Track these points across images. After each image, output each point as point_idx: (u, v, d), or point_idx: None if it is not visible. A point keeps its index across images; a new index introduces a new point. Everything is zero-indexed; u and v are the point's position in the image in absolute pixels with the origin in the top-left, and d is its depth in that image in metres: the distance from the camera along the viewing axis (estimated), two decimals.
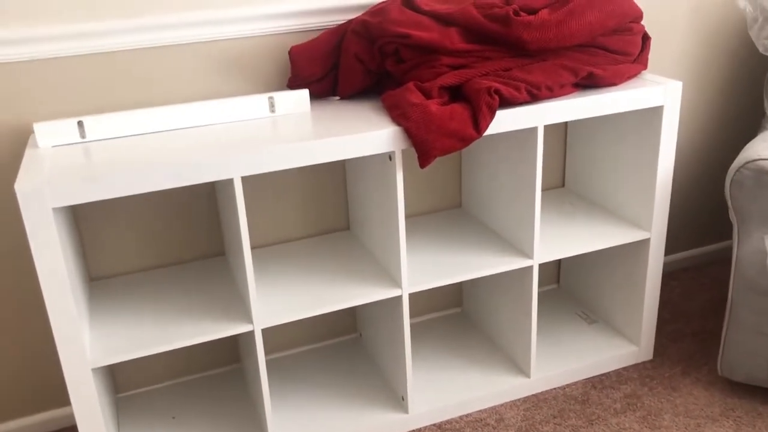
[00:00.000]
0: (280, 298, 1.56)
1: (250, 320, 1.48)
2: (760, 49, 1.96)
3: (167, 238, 1.74)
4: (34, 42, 1.48)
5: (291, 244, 1.84)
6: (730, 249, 2.46)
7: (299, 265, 1.72)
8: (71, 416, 1.80)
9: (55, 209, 1.28)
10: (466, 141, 1.44)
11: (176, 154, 1.33)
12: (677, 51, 2.11)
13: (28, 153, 1.40)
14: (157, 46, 1.57)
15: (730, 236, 2.45)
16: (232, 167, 1.33)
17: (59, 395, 1.78)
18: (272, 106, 1.56)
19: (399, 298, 1.60)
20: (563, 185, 2.10)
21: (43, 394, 1.76)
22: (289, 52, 1.61)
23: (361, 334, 2.00)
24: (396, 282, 1.60)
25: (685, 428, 1.68)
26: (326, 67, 1.64)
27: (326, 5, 1.66)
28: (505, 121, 1.50)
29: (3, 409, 1.74)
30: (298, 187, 1.81)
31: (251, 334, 1.51)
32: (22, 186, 1.21)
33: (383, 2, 1.62)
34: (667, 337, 2.03)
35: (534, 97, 1.52)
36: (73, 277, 1.37)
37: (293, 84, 1.66)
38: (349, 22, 1.63)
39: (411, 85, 1.51)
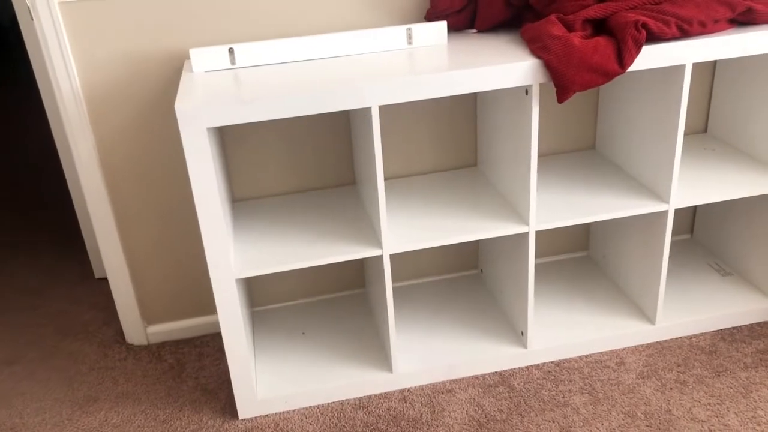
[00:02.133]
0: (408, 227, 1.61)
1: (379, 245, 1.54)
2: None
3: (304, 166, 1.82)
4: None
5: (420, 177, 1.87)
6: None
7: (427, 197, 1.75)
8: (214, 323, 1.96)
9: (208, 129, 1.37)
10: (608, 76, 1.40)
11: (319, 82, 1.39)
12: None
13: (185, 77, 1.50)
14: None
15: None
16: (371, 96, 1.37)
17: (204, 305, 1.95)
18: (410, 37, 1.58)
19: (525, 235, 1.61)
20: (705, 131, 2.00)
21: (195, 302, 1.94)
22: None
23: (482, 271, 2.03)
24: (523, 219, 1.60)
25: None
26: (465, 0, 1.63)
27: None
28: (651, 56, 1.44)
29: (157, 313, 1.93)
30: (429, 122, 1.84)
31: (380, 258, 1.57)
32: (181, 107, 1.31)
33: None
34: None
35: (684, 33, 1.45)
36: (222, 195, 1.47)
37: (431, 16, 1.66)
38: None
39: (553, 17, 1.47)
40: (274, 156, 1.80)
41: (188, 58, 1.66)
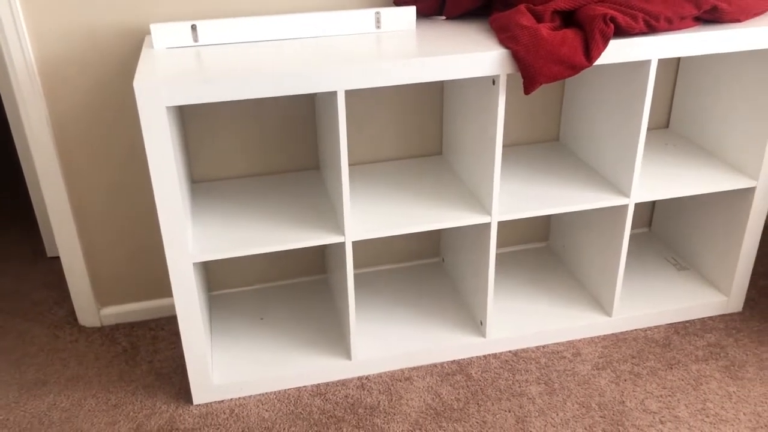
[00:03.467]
0: (371, 214, 1.59)
1: (342, 232, 1.52)
2: None
3: (266, 148, 1.79)
4: None
5: (384, 163, 1.86)
6: None
7: (391, 184, 1.74)
8: (170, 306, 1.92)
9: (168, 108, 1.33)
10: (575, 69, 1.40)
11: (283, 63, 1.36)
12: None
13: (145, 53, 1.45)
14: None
15: None
16: (337, 80, 1.35)
17: (160, 287, 1.91)
18: (378, 21, 1.55)
19: (487, 225, 1.61)
20: (668, 126, 2.02)
21: (149, 284, 1.89)
22: None
23: (444, 259, 2.03)
24: (486, 209, 1.60)
25: None
26: None
27: None
28: (617, 50, 1.44)
29: (111, 294, 1.88)
30: (395, 108, 1.82)
31: (342, 245, 1.55)
32: (140, 84, 1.26)
33: None
34: (759, 291, 1.97)
35: (651, 28, 1.45)
36: (180, 175, 1.44)
37: (400, 1, 1.64)
38: None
39: (522, 7, 1.47)
40: (236, 137, 1.76)
41: (149, 33, 1.61)
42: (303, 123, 1.79)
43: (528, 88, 1.41)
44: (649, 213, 2.17)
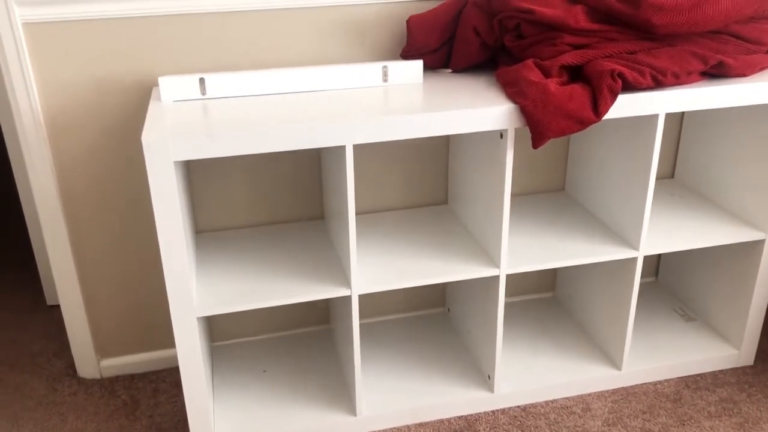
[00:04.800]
0: (378, 266, 1.58)
1: (348, 285, 1.50)
2: None
3: (271, 198, 1.78)
4: None
5: (389, 213, 1.85)
6: None
7: (397, 235, 1.72)
8: (172, 358, 1.89)
9: (175, 162, 1.32)
10: (583, 124, 1.40)
11: (292, 117, 1.36)
12: None
13: (153, 106, 1.45)
14: (276, 8, 1.59)
15: None
16: (346, 134, 1.34)
17: (161, 338, 1.88)
18: (385, 75, 1.56)
19: (496, 278, 1.59)
20: (672, 176, 2.02)
21: (151, 335, 1.86)
22: (407, 21, 1.60)
23: (449, 309, 2.00)
24: (494, 261, 1.58)
25: None
26: (442, 39, 1.62)
27: None
28: (625, 105, 1.45)
29: (111, 345, 1.85)
30: (400, 157, 1.81)
31: (348, 298, 1.53)
32: (148, 139, 1.26)
33: None
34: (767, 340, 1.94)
35: (658, 83, 1.46)
36: (186, 227, 1.42)
37: (407, 54, 1.65)
38: None
39: (530, 62, 1.47)
40: (241, 187, 1.75)
41: (157, 85, 1.61)
42: (308, 172, 1.78)
43: (536, 142, 1.40)
44: (655, 262, 2.15)
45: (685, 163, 1.96)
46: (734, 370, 1.84)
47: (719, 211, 1.81)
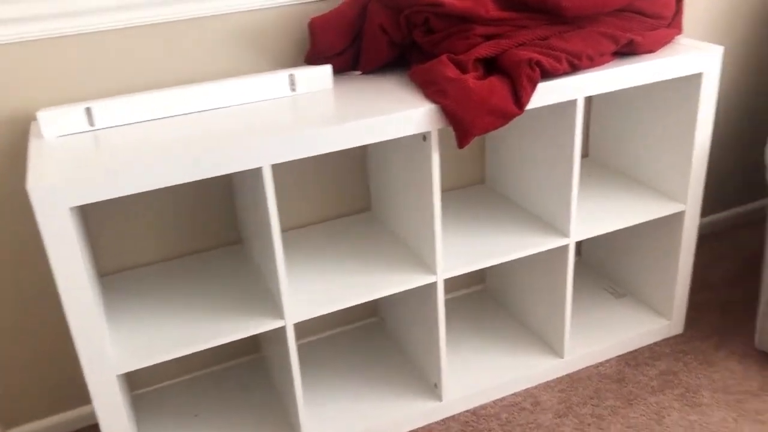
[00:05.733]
0: (310, 291, 1.47)
1: (280, 315, 1.39)
2: None
3: (179, 226, 1.63)
4: (27, 21, 1.34)
5: (311, 228, 1.74)
6: (747, 214, 2.41)
7: (323, 251, 1.62)
8: (90, 415, 1.71)
9: (71, 208, 1.16)
10: (507, 117, 1.35)
11: (197, 142, 1.22)
12: (707, 10, 2.02)
13: (33, 144, 1.28)
14: (162, 21, 1.44)
15: (745, 202, 2.40)
16: (262, 156, 1.23)
17: (77, 395, 1.69)
18: (293, 84, 1.45)
19: (433, 285, 1.52)
20: (587, 155, 2.02)
21: (60, 394, 1.67)
22: (309, 24, 1.49)
23: (383, 318, 1.93)
24: (430, 268, 1.52)
25: (726, 405, 1.64)
26: (347, 40, 1.53)
27: None
28: (544, 94, 1.41)
29: (20, 412, 1.64)
30: (316, 167, 1.71)
31: (282, 329, 1.42)
32: (35, 186, 1.09)
33: None
34: (696, 309, 1.99)
35: (575, 68, 1.43)
36: (89, 275, 1.26)
37: (312, 58, 1.54)
38: None
39: (444, 58, 1.40)
40: (144, 217, 1.59)
41: (35, 119, 1.42)
42: (217, 193, 1.64)
43: (462, 141, 1.34)
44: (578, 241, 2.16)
45: (599, 141, 1.96)
46: (667, 340, 1.87)
47: (639, 187, 1.82)
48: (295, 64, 1.60)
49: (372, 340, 1.87)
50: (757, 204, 2.41)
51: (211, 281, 1.54)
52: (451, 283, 2.03)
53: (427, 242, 1.50)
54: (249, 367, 1.81)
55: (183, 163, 1.17)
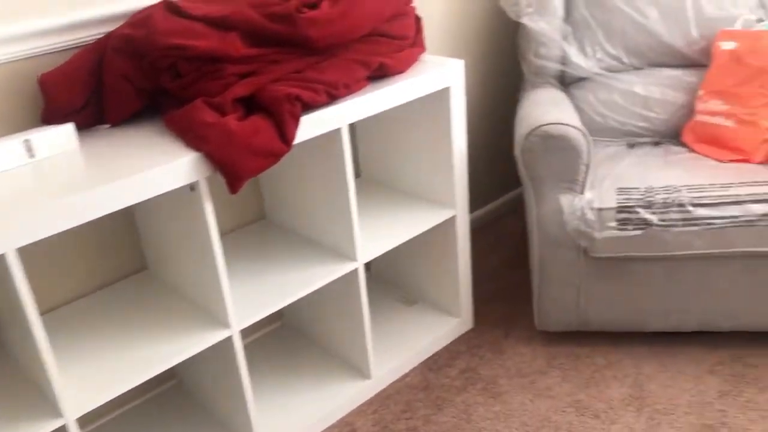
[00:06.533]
0: (88, 376, 1.31)
1: (58, 413, 1.22)
2: (511, 16, 2.07)
3: None
4: None
5: (82, 300, 1.56)
6: (507, 203, 2.63)
7: (100, 324, 1.46)
8: None
9: None
10: (276, 156, 1.31)
11: None
12: (440, 28, 2.15)
13: None
14: None
15: (505, 192, 2.62)
16: (4, 242, 1.06)
17: None
18: (30, 150, 1.28)
19: (229, 339, 1.44)
20: (359, 175, 2.06)
21: None
22: (39, 81, 1.33)
23: (181, 380, 1.79)
24: (222, 321, 1.43)
25: (522, 388, 1.76)
26: (87, 93, 1.39)
27: (72, 20, 1.40)
28: (309, 127, 1.40)
29: None
30: (74, 235, 1.54)
31: (63, 428, 1.25)
32: None
33: (143, 10, 1.40)
34: (482, 301, 2.12)
35: (333, 97, 1.44)
36: None
37: (50, 118, 1.38)
38: (107, 37, 1.38)
39: (199, 102, 1.33)
40: None
41: None
42: None
43: (233, 187, 1.28)
44: None
45: (369, 161, 2.01)
46: (461, 338, 1.97)
47: (412, 200, 1.89)
48: (31, 126, 1.42)
49: (172, 406, 1.73)
50: (515, 192, 2.65)
51: None
52: (248, 328, 1.95)
53: (215, 294, 1.41)
54: None
55: None
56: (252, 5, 1.40)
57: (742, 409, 1.62)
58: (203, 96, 1.36)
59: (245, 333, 1.95)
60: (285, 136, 1.32)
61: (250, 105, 1.39)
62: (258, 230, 1.80)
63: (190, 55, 1.33)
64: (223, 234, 1.79)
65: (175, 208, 1.40)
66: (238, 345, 1.44)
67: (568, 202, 1.70)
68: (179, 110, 1.35)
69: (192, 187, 1.30)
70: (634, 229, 1.65)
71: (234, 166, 1.26)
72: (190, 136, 1.29)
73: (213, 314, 1.46)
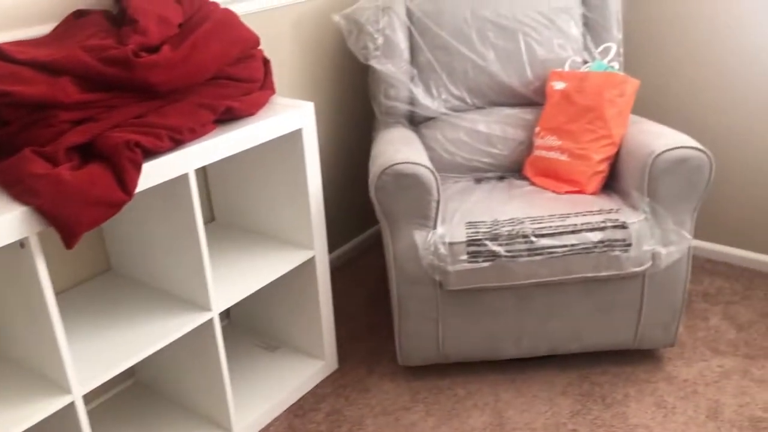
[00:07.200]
0: None
1: None
2: (360, 59, 2.12)
3: None
4: None
5: None
6: (365, 240, 2.66)
7: None
8: None
9: None
10: (116, 206, 1.24)
11: None
12: (290, 70, 2.16)
13: None
14: None
15: (362, 230, 2.65)
16: None
17: None
18: None
19: (71, 406, 1.33)
20: (213, 219, 2.00)
21: None
22: None
23: None
24: (62, 386, 1.32)
25: (387, 426, 1.76)
26: None
27: None
28: (152, 173, 1.34)
29: None
30: None
31: None
32: None
33: None
34: (345, 341, 2.11)
35: (177, 143, 1.39)
36: None
37: None
38: None
39: (27, 152, 1.24)
40: None
41: None
42: None
43: (69, 242, 1.19)
44: None
45: (222, 204, 1.95)
46: (327, 380, 1.94)
47: (269, 242, 1.86)
48: None
49: None
50: (374, 229, 2.68)
51: None
52: (96, 390, 1.82)
53: (53, 358, 1.30)
54: None
55: None
56: (86, 49, 1.33)
57: (591, 426, 1.72)
58: (33, 145, 1.27)
59: (93, 395, 1.81)
60: (125, 185, 1.25)
61: (88, 153, 1.31)
62: (103, 284, 1.69)
63: (15, 102, 1.24)
64: (64, 290, 1.67)
65: (3, 267, 1.28)
66: (81, 411, 1.33)
67: (421, 237, 1.74)
68: (6, 161, 1.25)
69: (22, 243, 1.20)
70: (484, 261, 1.71)
71: (68, 220, 1.18)
72: (18, 189, 1.19)
73: (52, 380, 1.34)
